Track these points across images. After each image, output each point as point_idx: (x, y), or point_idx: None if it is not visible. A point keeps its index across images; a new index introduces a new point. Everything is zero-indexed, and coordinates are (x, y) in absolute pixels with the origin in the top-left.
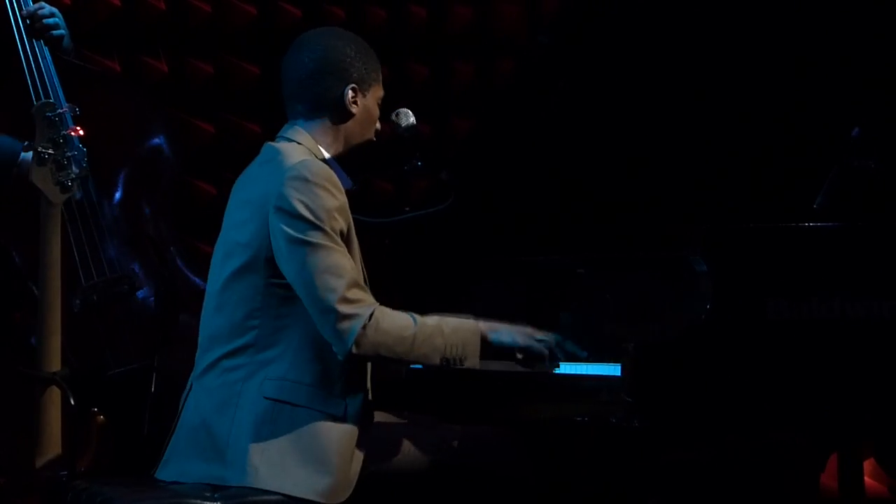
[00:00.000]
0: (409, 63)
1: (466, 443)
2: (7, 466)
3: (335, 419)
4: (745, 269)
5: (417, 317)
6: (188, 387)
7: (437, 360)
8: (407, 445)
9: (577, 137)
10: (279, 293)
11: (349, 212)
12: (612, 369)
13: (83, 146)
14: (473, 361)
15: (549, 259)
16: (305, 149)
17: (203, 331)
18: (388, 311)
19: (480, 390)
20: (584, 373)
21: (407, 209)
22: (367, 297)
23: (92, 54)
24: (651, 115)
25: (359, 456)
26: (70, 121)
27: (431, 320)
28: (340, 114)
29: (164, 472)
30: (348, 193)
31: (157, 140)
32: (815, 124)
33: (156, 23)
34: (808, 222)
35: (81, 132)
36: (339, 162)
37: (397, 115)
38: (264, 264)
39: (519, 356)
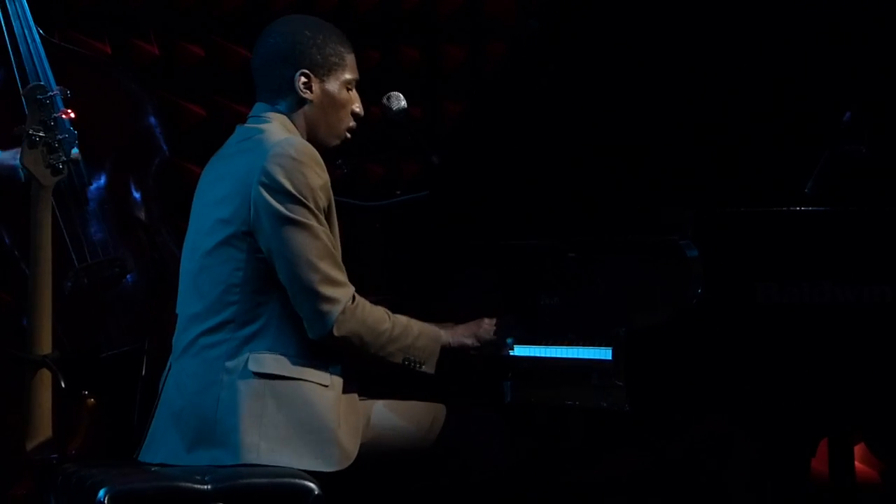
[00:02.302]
0: (400, 46)
1: (454, 422)
2: None
3: (324, 387)
4: (736, 253)
5: (393, 315)
6: (167, 368)
7: (399, 360)
8: (396, 423)
9: (568, 121)
10: (260, 268)
11: (331, 190)
12: (603, 353)
13: (74, 129)
14: (430, 367)
15: (540, 243)
16: (282, 126)
17: (180, 310)
18: (366, 301)
19: (470, 372)
20: (574, 357)
21: (398, 192)
22: (348, 282)
23: (82, 36)
24: (641, 98)
25: (356, 423)
26: (61, 103)
27: (403, 319)
28: (297, 100)
29: (149, 456)
30: (333, 174)
31: (147, 123)
32: (806, 109)
33: (146, 5)
34: (799, 207)
35: (73, 115)
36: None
37: (388, 98)
38: (245, 239)
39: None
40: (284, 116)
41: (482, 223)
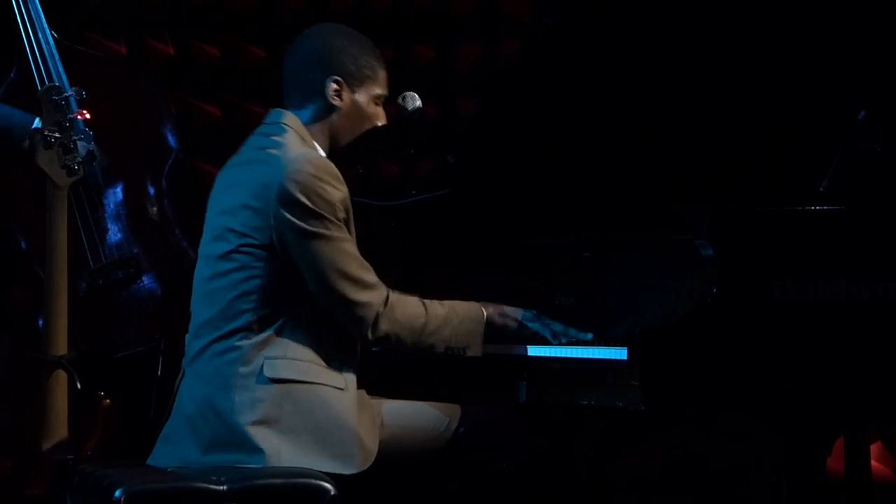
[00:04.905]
0: (414, 45)
1: (468, 421)
2: (14, 449)
3: (339, 390)
4: (751, 251)
5: (428, 304)
6: (181, 373)
7: (441, 350)
8: (410, 423)
9: (583, 119)
10: (273, 277)
11: (349, 202)
12: (619, 353)
13: (89, 130)
14: (476, 350)
15: (555, 242)
16: (298, 136)
17: (193, 317)
18: (401, 298)
19: (484, 372)
20: (589, 356)
21: (413, 192)
22: (379, 282)
23: (97, 37)
24: (656, 96)
25: (373, 422)
26: (76, 104)
27: (441, 309)
28: (325, 106)
29: (162, 460)
30: (348, 173)
31: (161, 125)
32: (820, 106)
33: (161, 5)
34: (814, 205)
35: (88, 116)
36: (329, 153)
37: (403, 98)
38: (258, 249)
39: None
40: (302, 125)
41: (497, 222)
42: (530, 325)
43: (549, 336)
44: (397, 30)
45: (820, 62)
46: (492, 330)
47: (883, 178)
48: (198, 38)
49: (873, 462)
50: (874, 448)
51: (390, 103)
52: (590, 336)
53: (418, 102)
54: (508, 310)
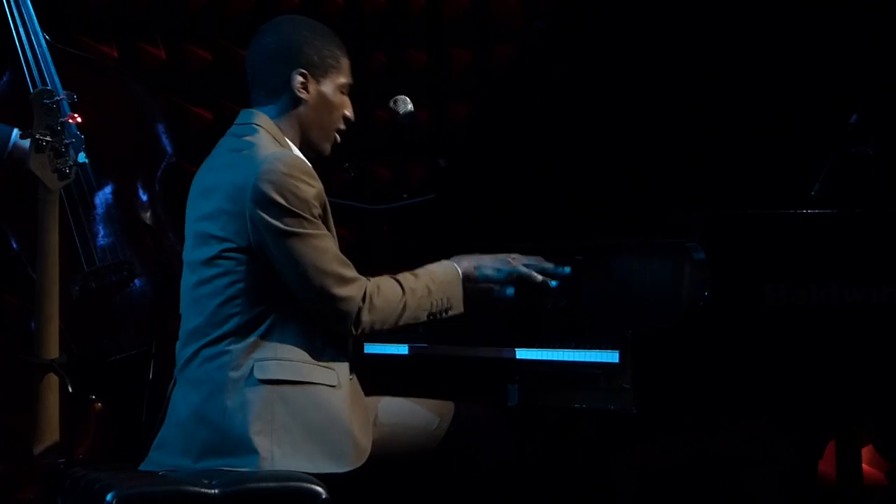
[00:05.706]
0: (407, 49)
1: (460, 418)
2: (5, 453)
3: (332, 388)
4: (743, 255)
5: (404, 280)
6: (173, 381)
7: (425, 318)
8: (404, 421)
9: (575, 123)
10: (257, 279)
11: (325, 196)
12: (611, 356)
13: (81, 133)
14: (458, 308)
15: (547, 245)
16: (269, 136)
17: (182, 325)
18: (379, 284)
19: (476, 375)
20: (581, 359)
21: (405, 196)
22: (359, 276)
23: (89, 41)
24: (649, 100)
25: (367, 419)
26: (68, 108)
27: (418, 282)
28: (292, 99)
29: (155, 466)
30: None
31: (153, 128)
32: (813, 110)
33: (153, 9)
34: (806, 209)
35: (79, 119)
36: (302, 148)
37: (395, 102)
38: (239, 253)
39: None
40: (273, 123)
41: (489, 225)
42: (507, 268)
43: (524, 274)
44: (390, 34)
45: (812, 66)
46: (473, 284)
47: (875, 182)
48: (190, 42)
49: (864, 465)
50: (865, 451)
51: (382, 107)
52: (567, 270)
53: (410, 106)
54: (485, 258)
